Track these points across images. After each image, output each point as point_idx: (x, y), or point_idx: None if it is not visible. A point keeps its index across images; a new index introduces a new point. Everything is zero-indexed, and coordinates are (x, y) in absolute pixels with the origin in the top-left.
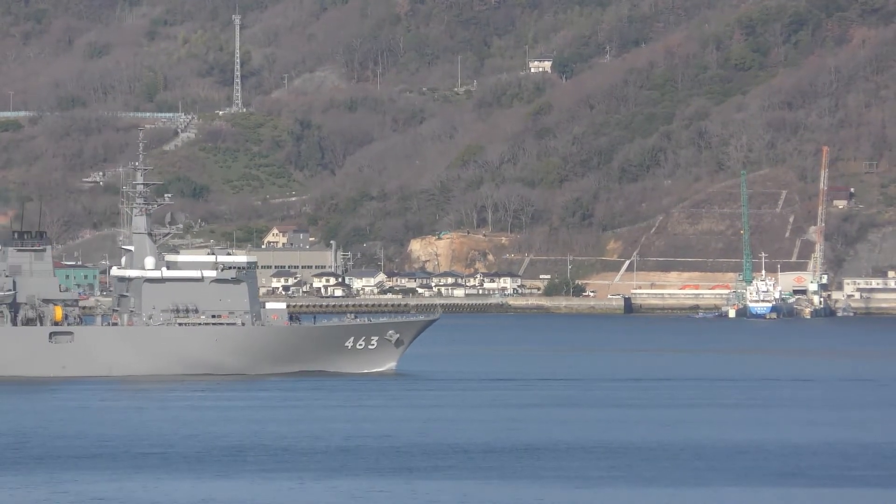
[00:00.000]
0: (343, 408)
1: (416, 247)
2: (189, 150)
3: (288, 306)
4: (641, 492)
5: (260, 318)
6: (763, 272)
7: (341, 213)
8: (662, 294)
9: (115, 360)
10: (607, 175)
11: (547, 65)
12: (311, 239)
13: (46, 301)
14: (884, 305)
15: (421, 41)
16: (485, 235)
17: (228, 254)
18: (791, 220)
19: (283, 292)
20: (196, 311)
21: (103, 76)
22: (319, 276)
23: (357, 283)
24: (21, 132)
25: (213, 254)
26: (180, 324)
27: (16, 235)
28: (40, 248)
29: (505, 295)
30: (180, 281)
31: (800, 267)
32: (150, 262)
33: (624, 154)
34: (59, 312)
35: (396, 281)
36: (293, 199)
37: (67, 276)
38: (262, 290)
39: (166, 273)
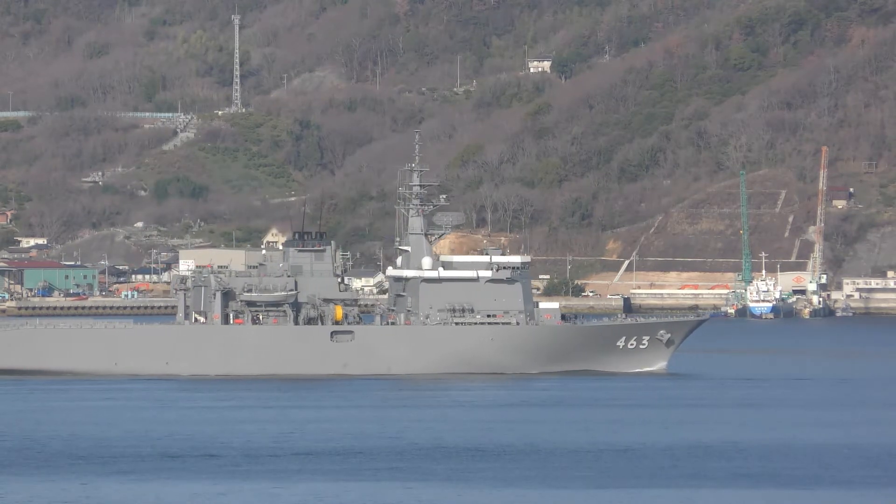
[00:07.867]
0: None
1: None
2: (188, 149)
3: None
4: None
5: (533, 318)
6: (762, 272)
7: (341, 213)
8: (662, 294)
9: (394, 359)
10: (606, 175)
11: (546, 65)
12: None
13: (327, 301)
14: (883, 305)
15: (420, 41)
16: (484, 235)
17: (502, 254)
18: (790, 219)
19: None
20: (472, 310)
21: (102, 76)
22: None
23: (356, 283)
24: (20, 132)
25: (487, 254)
26: (456, 323)
27: (297, 236)
28: (320, 248)
29: None
30: (456, 281)
31: (799, 267)
32: (427, 262)
33: (623, 154)
34: (339, 312)
35: None
36: (292, 198)
37: (67, 276)
38: None
39: (443, 273)
